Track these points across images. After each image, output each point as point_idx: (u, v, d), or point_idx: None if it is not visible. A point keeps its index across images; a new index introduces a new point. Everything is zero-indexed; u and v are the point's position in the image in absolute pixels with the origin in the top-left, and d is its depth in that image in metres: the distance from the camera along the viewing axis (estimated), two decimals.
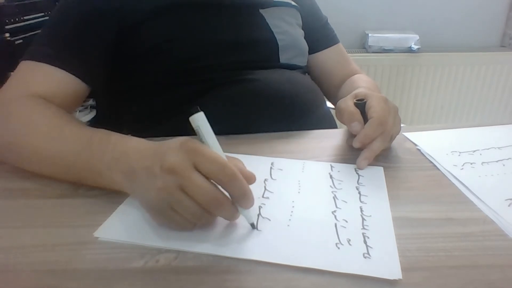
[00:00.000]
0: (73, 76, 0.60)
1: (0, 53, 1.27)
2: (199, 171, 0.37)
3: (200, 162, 0.37)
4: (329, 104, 0.89)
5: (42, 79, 0.59)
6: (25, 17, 1.38)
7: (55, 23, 0.65)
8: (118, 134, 0.47)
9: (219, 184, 0.38)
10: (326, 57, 0.88)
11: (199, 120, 0.39)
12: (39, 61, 0.59)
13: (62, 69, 0.59)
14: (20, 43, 1.32)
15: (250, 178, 0.40)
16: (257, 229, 0.41)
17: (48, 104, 0.55)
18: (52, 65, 0.59)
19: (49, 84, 0.59)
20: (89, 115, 1.71)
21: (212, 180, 0.38)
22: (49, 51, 0.60)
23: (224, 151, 0.40)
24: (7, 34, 1.29)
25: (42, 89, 0.57)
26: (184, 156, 0.38)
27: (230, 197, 0.38)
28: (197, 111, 0.39)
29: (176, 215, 0.38)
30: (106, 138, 0.47)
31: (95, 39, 0.64)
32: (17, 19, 1.35)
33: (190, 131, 0.40)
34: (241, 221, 0.41)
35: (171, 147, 0.39)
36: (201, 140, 0.40)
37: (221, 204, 0.38)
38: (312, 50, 0.86)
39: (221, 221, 0.41)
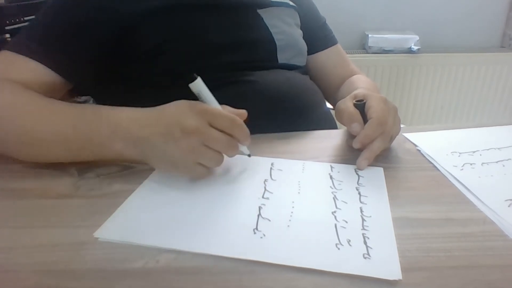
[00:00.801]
0: (50, 70, 0.60)
1: None
2: (213, 127, 0.45)
3: (213, 120, 0.45)
4: (328, 105, 0.89)
5: (19, 70, 0.58)
6: (26, 18, 1.38)
7: (43, 18, 0.64)
8: (108, 106, 0.51)
9: (231, 133, 0.47)
10: (325, 58, 0.88)
11: (199, 85, 0.47)
12: (18, 52, 0.59)
13: (39, 62, 0.59)
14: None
15: (244, 115, 0.50)
16: (249, 156, 0.52)
17: (26, 88, 0.55)
18: (29, 57, 0.59)
19: (25, 75, 0.58)
20: None
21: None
22: (30, 44, 0.60)
23: None
24: (7, 35, 1.29)
25: (18, 79, 0.57)
26: (199, 118, 0.45)
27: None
28: (195, 78, 0.47)
29: (198, 166, 0.46)
30: (98, 111, 0.50)
31: (82, 37, 0.63)
32: (17, 20, 1.35)
33: None
34: (242, 222, 0.41)
35: (182, 112, 0.46)
36: (203, 101, 0.48)
37: (234, 145, 0.48)
38: (311, 50, 0.86)
39: (221, 222, 0.42)
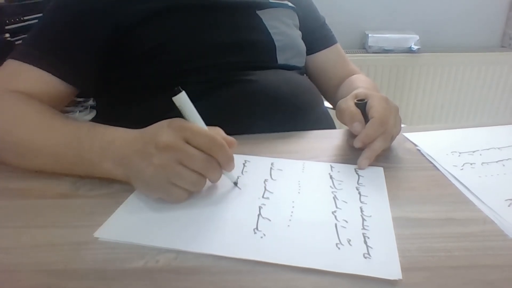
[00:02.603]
0: (57, 78, 0.60)
1: (0, 53, 1.26)
2: (190, 145, 0.42)
3: (190, 137, 0.42)
4: (327, 104, 0.89)
5: (26, 79, 0.59)
6: (25, 18, 1.38)
7: (45, 23, 0.64)
8: (104, 125, 0.50)
9: (209, 153, 0.43)
10: (325, 58, 0.88)
11: (181, 99, 0.44)
12: (24, 61, 0.59)
13: (46, 71, 0.59)
14: (20, 43, 1.31)
15: (233, 144, 0.46)
16: (238, 187, 0.48)
17: (32, 99, 0.56)
18: (36, 66, 0.59)
19: (32, 85, 0.58)
20: (89, 115, 1.71)
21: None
22: (35, 52, 0.60)
23: None
24: (7, 35, 1.28)
25: (25, 89, 0.57)
26: (175, 134, 0.42)
27: None
28: (179, 92, 0.44)
29: (174, 187, 0.42)
30: (93, 129, 0.50)
31: (83, 41, 0.63)
32: (17, 19, 1.34)
33: None
34: (242, 222, 0.42)
35: (159, 128, 0.43)
36: (185, 117, 0.44)
37: (214, 167, 0.43)
38: (310, 50, 0.86)
39: (221, 222, 0.42)
